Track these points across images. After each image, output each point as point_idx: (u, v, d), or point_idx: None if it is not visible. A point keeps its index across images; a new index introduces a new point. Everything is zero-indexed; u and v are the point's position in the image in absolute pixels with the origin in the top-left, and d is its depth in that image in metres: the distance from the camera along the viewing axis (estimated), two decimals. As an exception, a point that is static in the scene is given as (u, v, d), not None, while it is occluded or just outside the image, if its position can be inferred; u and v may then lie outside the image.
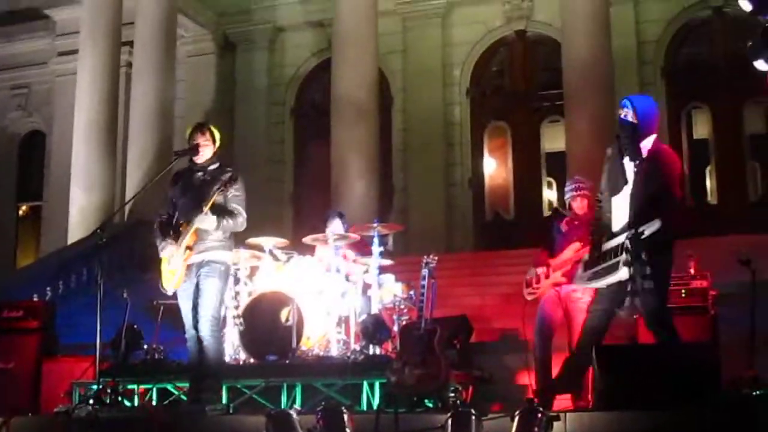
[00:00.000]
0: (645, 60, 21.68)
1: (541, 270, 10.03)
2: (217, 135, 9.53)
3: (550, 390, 9.24)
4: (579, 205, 10.17)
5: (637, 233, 7.96)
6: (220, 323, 9.36)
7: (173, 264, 9.17)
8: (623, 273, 8.04)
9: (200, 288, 9.13)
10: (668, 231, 8.12)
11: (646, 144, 8.39)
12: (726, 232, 17.62)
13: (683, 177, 20.71)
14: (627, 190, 8.33)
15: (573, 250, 9.79)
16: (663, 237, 8.06)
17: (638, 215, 8.10)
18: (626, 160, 8.43)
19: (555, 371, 9.48)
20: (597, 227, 8.67)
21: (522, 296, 10.29)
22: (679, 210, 8.37)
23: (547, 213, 21.70)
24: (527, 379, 10.58)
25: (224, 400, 9.78)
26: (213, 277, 9.13)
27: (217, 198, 9.08)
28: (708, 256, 12.15)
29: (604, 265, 8.30)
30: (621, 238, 8.13)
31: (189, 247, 9.11)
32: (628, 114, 8.42)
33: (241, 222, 9.27)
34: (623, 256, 8.02)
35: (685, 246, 11.67)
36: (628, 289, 8.08)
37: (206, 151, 9.41)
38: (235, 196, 9.25)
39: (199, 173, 9.39)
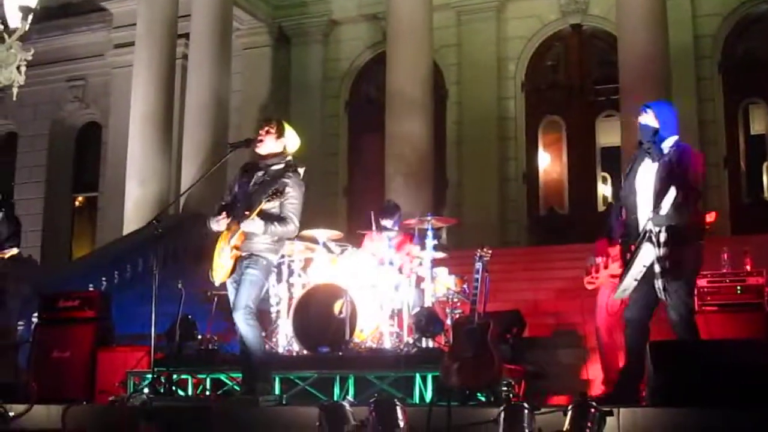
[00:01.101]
0: (702, 55, 21.49)
1: (600, 259, 10.00)
2: (289, 132, 9.48)
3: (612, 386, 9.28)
4: None
5: (655, 211, 8.10)
6: (255, 314, 9.34)
7: (223, 258, 9.20)
8: (647, 252, 8.07)
9: (242, 278, 9.16)
10: (692, 224, 8.21)
11: (668, 144, 8.45)
12: (783, 229, 17.48)
13: (732, 176, 20.63)
14: (651, 189, 8.36)
15: None
16: (686, 230, 8.14)
17: (656, 202, 8.18)
18: (644, 163, 8.56)
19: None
20: (626, 231, 8.68)
21: (582, 287, 10.27)
22: (699, 204, 8.41)
23: (601, 208, 21.59)
24: (582, 374, 10.58)
25: (277, 391, 9.81)
26: (254, 269, 9.14)
27: (265, 206, 9.06)
28: (764, 252, 12.07)
29: (629, 260, 8.38)
30: (647, 226, 8.21)
31: (236, 247, 9.13)
32: (648, 119, 8.60)
33: (291, 230, 9.22)
34: (645, 237, 8.15)
35: (742, 242, 11.66)
36: (654, 270, 8.09)
37: (268, 141, 9.37)
38: (290, 203, 9.19)
39: (261, 172, 9.39)
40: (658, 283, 8.18)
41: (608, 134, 21.88)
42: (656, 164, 8.46)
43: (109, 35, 26.40)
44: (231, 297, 9.34)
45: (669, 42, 18.98)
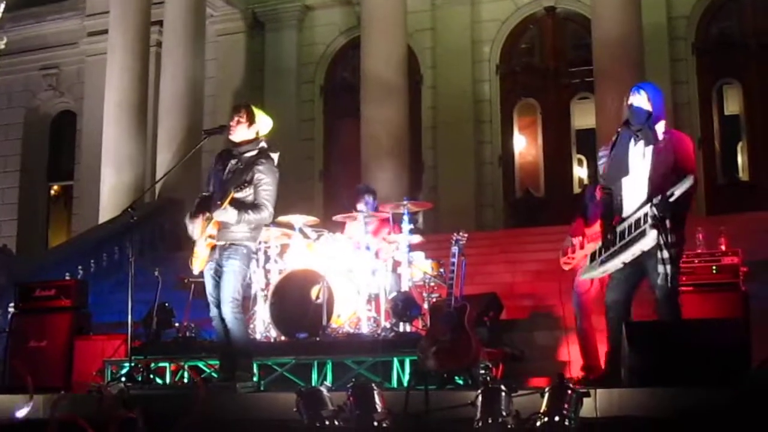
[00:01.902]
0: (675, 36, 21.53)
1: (576, 240, 9.98)
2: (260, 117, 9.47)
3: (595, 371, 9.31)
4: None
5: (665, 197, 8.01)
6: (241, 304, 9.37)
7: (199, 247, 9.21)
8: (650, 238, 8.07)
9: (223, 269, 9.17)
10: (686, 207, 8.22)
11: (660, 128, 8.44)
12: (757, 209, 17.54)
13: (706, 157, 20.69)
14: (644, 173, 8.37)
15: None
16: (683, 215, 8.15)
17: (661, 187, 8.12)
18: (635, 146, 8.51)
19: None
20: (608, 212, 8.68)
21: (559, 269, 10.27)
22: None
23: (577, 190, 21.60)
24: (560, 355, 10.60)
25: (255, 378, 9.82)
26: (235, 259, 9.16)
27: (237, 194, 9.04)
28: (739, 232, 12.14)
29: (622, 243, 8.33)
30: (643, 210, 8.17)
31: (211, 236, 9.14)
32: (641, 101, 8.51)
33: (266, 216, 9.22)
34: (650, 222, 8.06)
35: (717, 222, 11.69)
36: (659, 256, 8.08)
37: (240, 130, 9.37)
38: (264, 189, 9.20)
39: (234, 160, 9.38)
40: (661, 268, 8.15)
41: (583, 116, 21.92)
42: (650, 148, 8.41)
43: (83, 23, 26.28)
44: (208, 286, 9.35)
45: (643, 24, 19.02)
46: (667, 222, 8.05)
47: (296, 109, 24.68)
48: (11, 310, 13.10)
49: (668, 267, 8.07)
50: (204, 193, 9.56)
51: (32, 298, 12.51)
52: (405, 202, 11.77)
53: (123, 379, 10.05)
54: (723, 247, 11.06)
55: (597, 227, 9.58)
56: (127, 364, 10.34)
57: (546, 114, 22.82)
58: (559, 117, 22.53)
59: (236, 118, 9.38)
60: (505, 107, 23.18)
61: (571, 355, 10.65)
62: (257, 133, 9.45)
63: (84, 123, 25.80)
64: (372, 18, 20.49)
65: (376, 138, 19.71)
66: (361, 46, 20.79)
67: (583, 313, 9.84)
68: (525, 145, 23.33)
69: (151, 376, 10.49)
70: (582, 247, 9.87)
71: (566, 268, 10.05)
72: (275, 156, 9.47)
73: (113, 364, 11.10)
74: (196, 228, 9.29)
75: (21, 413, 9.13)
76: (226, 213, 9.02)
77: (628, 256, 8.28)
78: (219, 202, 9.09)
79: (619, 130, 8.77)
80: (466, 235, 10.30)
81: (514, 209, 22.55)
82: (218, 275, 9.23)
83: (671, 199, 8.02)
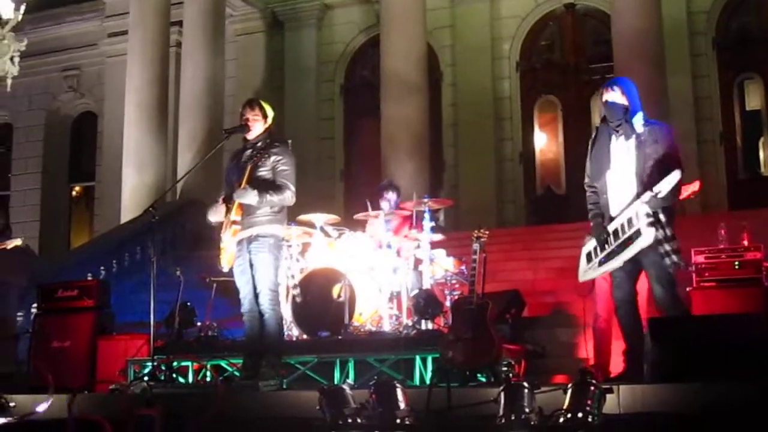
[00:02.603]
0: (696, 31, 21.46)
1: None
2: (269, 110, 9.52)
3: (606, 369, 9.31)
4: None
5: (654, 194, 8.05)
6: (278, 297, 9.39)
7: (224, 241, 9.22)
8: (648, 236, 8.07)
9: (253, 264, 9.18)
10: (674, 197, 8.27)
11: (638, 121, 8.43)
12: (780, 204, 17.49)
13: (728, 152, 20.63)
14: (630, 168, 8.37)
15: None
16: (673, 207, 8.19)
17: (648, 183, 8.13)
18: (617, 141, 8.51)
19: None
20: (596, 211, 8.66)
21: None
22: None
23: (598, 187, 21.52)
24: (582, 353, 10.58)
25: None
26: (264, 252, 9.16)
27: (259, 173, 9.10)
28: (761, 228, 12.08)
29: (618, 242, 8.32)
30: (633, 207, 8.18)
31: (234, 222, 9.15)
32: (615, 96, 8.50)
33: (289, 196, 9.22)
34: (645, 220, 8.06)
35: (739, 218, 11.65)
36: (660, 251, 8.08)
37: (256, 126, 9.42)
38: (282, 170, 9.23)
39: (249, 150, 9.40)
40: (668, 260, 8.14)
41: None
42: (632, 142, 8.42)
43: (103, 24, 26.39)
44: (238, 281, 9.36)
45: (662, 19, 18.97)
46: (662, 216, 8.07)
47: (316, 108, 24.71)
48: (34, 310, 13.15)
49: (674, 257, 8.08)
50: (223, 195, 9.58)
51: (55, 298, 12.55)
52: (426, 200, 11.76)
53: (146, 378, 10.07)
54: (745, 243, 11.03)
55: None
56: (149, 364, 10.36)
57: (566, 110, 22.78)
58: (579, 113, 22.46)
59: (252, 115, 9.42)
60: (525, 104, 23.14)
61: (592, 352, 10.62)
62: (269, 125, 9.50)
63: (105, 124, 25.92)
64: (391, 16, 20.48)
65: (396, 136, 19.70)
66: (381, 44, 20.79)
67: (605, 313, 9.80)
68: (546, 142, 23.30)
69: (174, 375, 10.53)
70: None
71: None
72: (288, 142, 9.55)
73: (136, 364, 11.13)
74: (217, 213, 9.31)
75: (41, 408, 9.22)
76: (246, 193, 9.04)
77: (627, 255, 8.28)
78: (237, 183, 9.12)
79: (597, 127, 8.77)
80: (487, 232, 10.27)
81: (536, 206, 22.50)
82: (249, 269, 9.24)
83: (659, 196, 8.05)
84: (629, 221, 8.23)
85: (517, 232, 19.33)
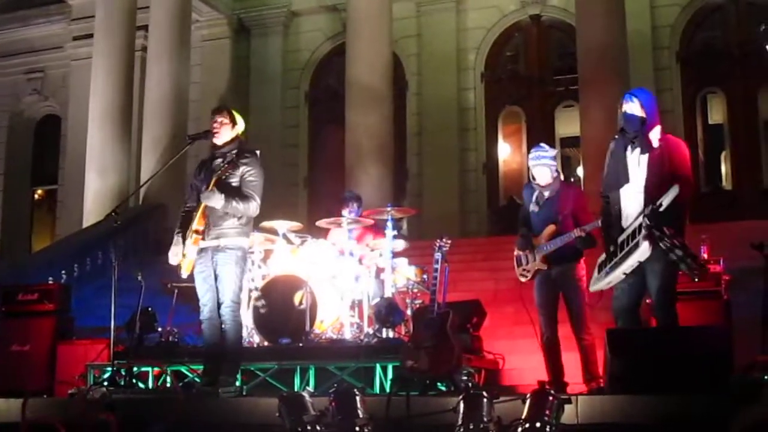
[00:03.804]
0: (660, 45, 21.63)
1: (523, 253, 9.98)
2: (238, 117, 9.51)
3: (561, 380, 9.35)
4: (539, 174, 10.06)
5: (654, 207, 8.03)
6: (239, 308, 9.39)
7: (187, 248, 9.20)
8: (644, 249, 8.09)
9: (218, 274, 9.17)
10: (683, 210, 8.24)
11: (654, 135, 8.44)
12: (740, 218, 17.62)
13: (694, 164, 20.74)
14: (640, 181, 8.39)
15: (548, 232, 9.73)
16: (677, 216, 8.16)
17: (653, 197, 8.14)
18: (632, 154, 8.51)
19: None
20: (607, 222, 8.70)
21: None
22: (693, 194, 8.39)
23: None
24: (542, 363, 10.62)
25: (238, 383, 9.82)
26: (230, 264, 9.15)
27: (228, 181, 9.10)
28: (722, 241, 12.18)
29: (622, 253, 8.34)
30: (638, 220, 8.19)
31: (196, 231, 9.14)
32: (634, 108, 8.49)
33: (254, 207, 9.21)
34: (644, 233, 8.07)
35: (699, 231, 11.72)
36: (672, 257, 8.06)
37: (224, 132, 9.40)
38: (250, 181, 9.23)
39: (218, 159, 9.38)
40: (684, 265, 8.10)
41: (568, 124, 21.98)
42: (645, 156, 8.42)
43: (69, 27, 26.26)
44: (199, 289, 9.33)
45: (627, 32, 19.08)
46: (665, 229, 8.04)
47: (281, 115, 24.71)
48: (-6, 314, 13.07)
49: (689, 261, 8.04)
50: (186, 207, 9.55)
51: (15, 302, 12.50)
52: (389, 209, 11.78)
53: (105, 383, 10.03)
54: (705, 256, 11.12)
55: (543, 236, 9.64)
56: (109, 369, 10.33)
57: (530, 122, 22.88)
58: (543, 125, 22.56)
59: (220, 120, 9.41)
60: (489, 115, 23.22)
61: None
62: (237, 134, 9.48)
63: (68, 127, 25.77)
64: (357, 24, 20.52)
65: (360, 144, 19.73)
66: (347, 53, 20.82)
67: (547, 323, 9.82)
68: (509, 153, 23.40)
69: (134, 380, 10.50)
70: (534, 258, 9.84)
71: (523, 280, 10.04)
72: (257, 152, 9.53)
73: (96, 369, 11.08)
74: (176, 253, 9.33)
75: None
76: (213, 195, 9.01)
77: (627, 267, 8.30)
78: (205, 187, 9.12)
79: (615, 137, 8.77)
80: (449, 241, 10.30)
81: (498, 217, 22.53)
82: (213, 278, 9.22)
83: (660, 209, 8.04)
84: (633, 233, 8.26)
85: (479, 243, 19.36)
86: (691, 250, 8.16)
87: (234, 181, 9.18)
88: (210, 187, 9.04)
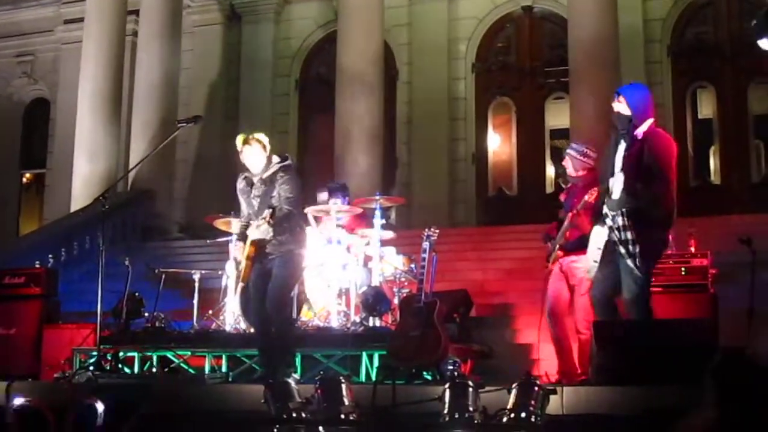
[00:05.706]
0: (651, 38, 21.62)
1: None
2: (266, 141, 9.55)
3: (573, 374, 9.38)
4: (568, 166, 10.15)
5: (610, 196, 8.25)
6: (288, 306, 9.65)
7: (241, 266, 9.36)
8: (596, 234, 8.34)
9: (274, 273, 9.29)
10: (658, 207, 8.25)
11: (642, 128, 8.46)
12: (729, 212, 17.66)
13: (679, 159, 20.75)
14: (621, 173, 8.43)
15: (568, 220, 9.76)
16: (650, 213, 8.18)
17: (626, 190, 8.20)
18: (620, 147, 8.56)
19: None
20: (598, 212, 8.74)
21: (530, 268, 10.28)
22: (671, 190, 8.40)
23: (550, 190, 21.61)
24: (529, 354, 10.63)
25: (224, 369, 9.83)
26: (284, 268, 9.28)
27: (269, 199, 9.29)
28: (709, 234, 12.20)
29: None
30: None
31: (248, 257, 9.26)
32: (621, 107, 8.56)
33: (295, 217, 9.44)
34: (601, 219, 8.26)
35: (687, 224, 11.75)
36: (630, 250, 8.12)
37: (257, 161, 9.48)
38: (287, 197, 9.33)
39: (258, 184, 9.47)
40: (630, 262, 8.18)
41: (557, 116, 21.98)
42: (627, 149, 8.47)
43: (59, 10, 26.15)
44: (253, 285, 9.39)
45: (619, 25, 19.05)
46: (618, 219, 8.12)
47: (271, 102, 24.65)
48: (-20, 297, 13.05)
49: (637, 260, 8.10)
50: (242, 221, 9.68)
51: (2, 285, 12.48)
52: (377, 197, 11.79)
53: (91, 367, 10.03)
54: (692, 249, 11.15)
55: (563, 229, 9.71)
56: (95, 353, 10.33)
57: (520, 113, 22.87)
58: (533, 116, 22.58)
59: (251, 152, 9.50)
60: (479, 105, 23.20)
61: (540, 353, 10.67)
62: (269, 152, 9.54)
63: (57, 111, 25.72)
64: (349, 12, 20.49)
65: (350, 133, 19.71)
66: (338, 41, 20.78)
67: (555, 318, 9.86)
68: (499, 144, 23.39)
69: (120, 365, 10.51)
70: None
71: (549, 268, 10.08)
72: (290, 161, 9.64)
73: (82, 353, 11.09)
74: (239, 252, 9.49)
75: None
76: (258, 230, 9.21)
77: (591, 255, 8.43)
78: (252, 223, 9.30)
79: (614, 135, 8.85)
80: (437, 231, 10.32)
81: (487, 207, 22.56)
82: (267, 276, 9.30)
83: (613, 197, 8.22)
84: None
85: (467, 233, 19.39)
86: (650, 249, 8.23)
87: (274, 198, 9.28)
88: (256, 225, 9.21)
